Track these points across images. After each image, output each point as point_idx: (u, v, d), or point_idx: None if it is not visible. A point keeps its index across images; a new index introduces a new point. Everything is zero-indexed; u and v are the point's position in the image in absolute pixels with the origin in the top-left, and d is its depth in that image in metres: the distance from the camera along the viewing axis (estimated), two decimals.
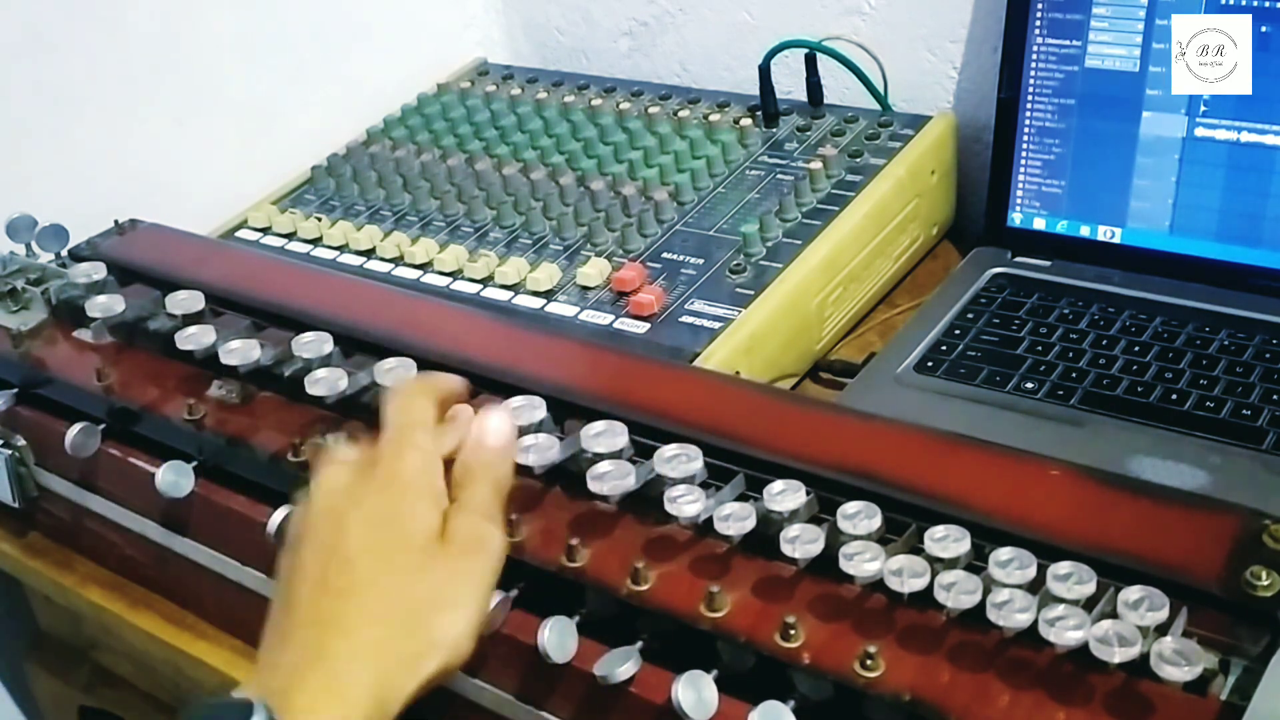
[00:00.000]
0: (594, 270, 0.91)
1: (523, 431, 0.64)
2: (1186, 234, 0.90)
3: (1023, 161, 0.95)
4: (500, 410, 0.62)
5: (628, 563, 0.58)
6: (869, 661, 0.52)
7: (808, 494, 0.59)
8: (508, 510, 0.60)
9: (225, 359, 0.74)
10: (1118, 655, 0.49)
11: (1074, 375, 0.82)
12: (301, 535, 0.56)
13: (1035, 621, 0.51)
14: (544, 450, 0.63)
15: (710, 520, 0.59)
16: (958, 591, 0.53)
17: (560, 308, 0.90)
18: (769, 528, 0.58)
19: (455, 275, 0.95)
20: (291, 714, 0.49)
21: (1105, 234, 0.93)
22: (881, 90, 1.05)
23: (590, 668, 0.56)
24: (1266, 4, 0.83)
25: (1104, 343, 0.85)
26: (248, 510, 0.70)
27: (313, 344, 0.73)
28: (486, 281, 0.94)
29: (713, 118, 1.06)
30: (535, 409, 0.65)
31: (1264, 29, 0.84)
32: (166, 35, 1.07)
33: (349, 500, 0.56)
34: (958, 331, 0.88)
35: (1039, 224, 0.95)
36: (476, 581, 0.55)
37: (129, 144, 1.06)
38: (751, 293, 0.86)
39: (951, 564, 0.55)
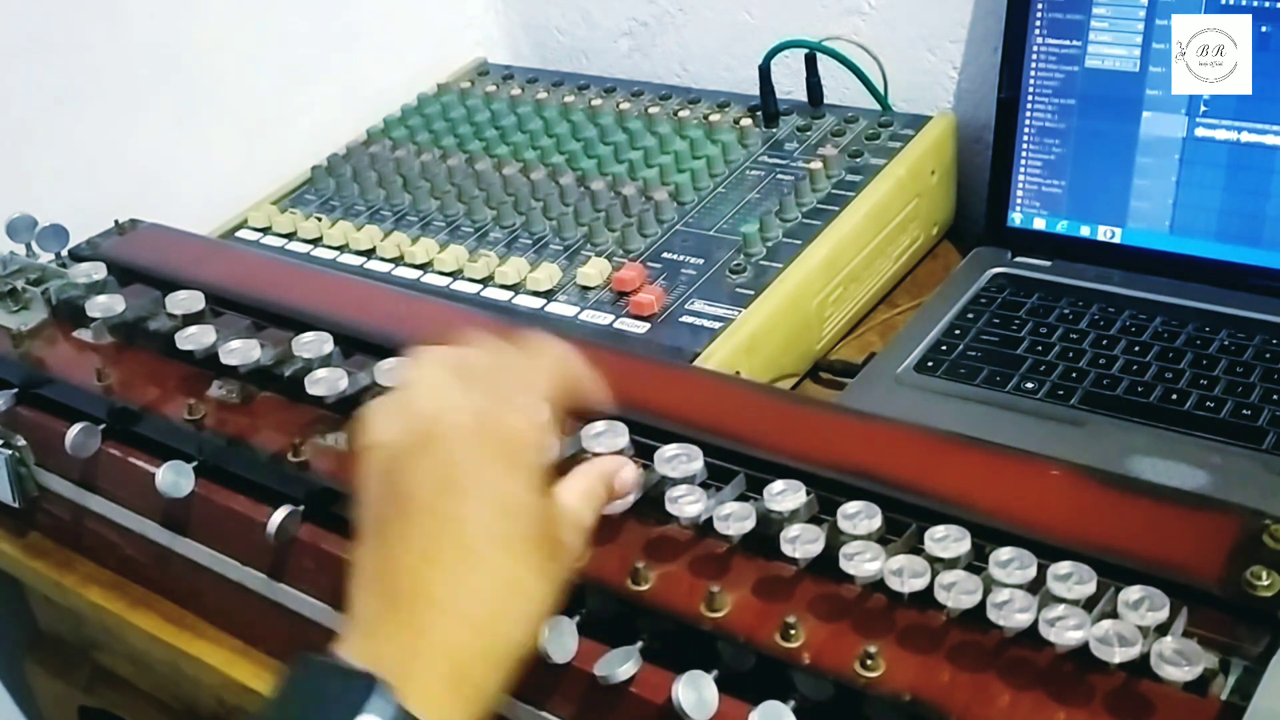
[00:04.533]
0: (594, 270, 0.91)
1: None
2: (1186, 234, 0.90)
3: (1023, 161, 0.95)
4: (635, 468, 0.61)
5: (628, 563, 0.58)
6: (869, 661, 0.52)
7: (808, 494, 0.59)
8: None
9: (225, 359, 0.74)
10: (1118, 655, 0.49)
11: (1074, 375, 0.82)
12: (405, 479, 0.53)
13: (1035, 621, 0.51)
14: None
15: (710, 520, 0.59)
16: (958, 591, 0.53)
17: (560, 308, 0.90)
18: (769, 528, 0.58)
19: (455, 275, 0.95)
20: (409, 699, 0.47)
21: (1105, 234, 0.93)
22: (881, 90, 1.05)
23: (590, 668, 0.56)
24: (1266, 4, 0.83)
25: (1104, 343, 0.85)
26: (248, 510, 0.70)
27: (313, 344, 0.73)
28: (486, 281, 0.94)
29: (713, 118, 1.06)
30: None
31: (1264, 29, 0.84)
32: (166, 35, 1.07)
33: (473, 469, 0.53)
34: (958, 331, 0.88)
35: (1039, 224, 0.95)
36: (558, 584, 0.54)
37: (129, 144, 1.06)
38: (751, 293, 0.86)
39: (952, 564, 0.55)
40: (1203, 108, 0.87)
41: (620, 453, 0.63)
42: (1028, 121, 0.94)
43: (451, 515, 0.52)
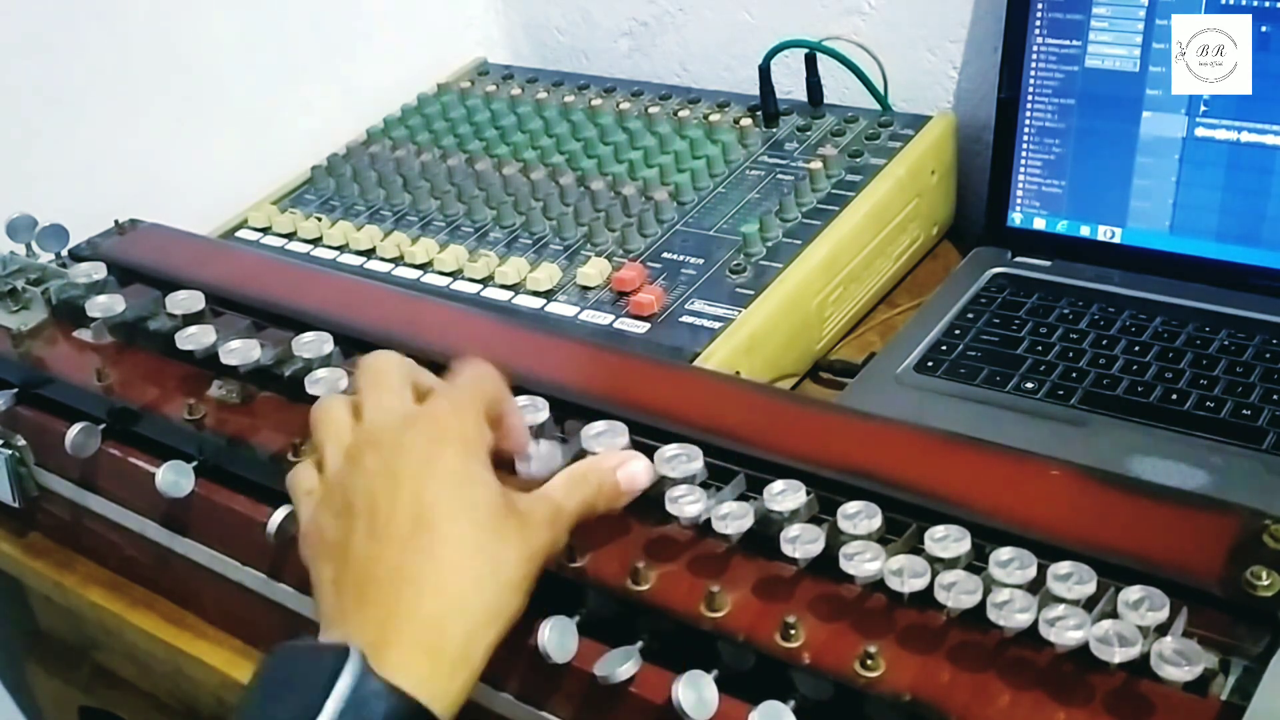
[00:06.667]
0: (594, 270, 0.91)
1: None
2: (1186, 234, 0.90)
3: (1023, 161, 0.95)
4: (647, 464, 0.61)
5: (628, 563, 0.58)
6: (869, 661, 0.52)
7: (808, 494, 0.59)
8: None
9: (225, 359, 0.74)
10: (1118, 655, 0.49)
11: (1074, 375, 0.82)
12: (348, 496, 0.55)
13: (1035, 621, 0.51)
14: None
15: (710, 520, 0.59)
16: (958, 591, 0.53)
17: (560, 308, 0.90)
18: (769, 528, 0.58)
19: (455, 275, 0.95)
20: (384, 668, 0.49)
21: (1105, 234, 0.93)
22: (881, 90, 1.05)
23: (590, 668, 0.56)
24: (1266, 4, 0.83)
25: (1104, 343, 0.85)
26: (248, 510, 0.70)
27: (313, 344, 0.73)
28: (486, 281, 0.94)
29: (713, 118, 1.06)
30: (539, 410, 0.65)
31: (1264, 29, 0.84)
32: (166, 35, 1.07)
33: (409, 459, 0.54)
34: (958, 331, 0.88)
35: (1039, 224, 0.95)
36: (541, 563, 0.55)
37: (129, 144, 1.06)
38: (751, 293, 0.86)
39: (952, 564, 0.55)
40: (1203, 108, 0.87)
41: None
42: (1028, 121, 0.94)
43: (402, 499, 0.53)
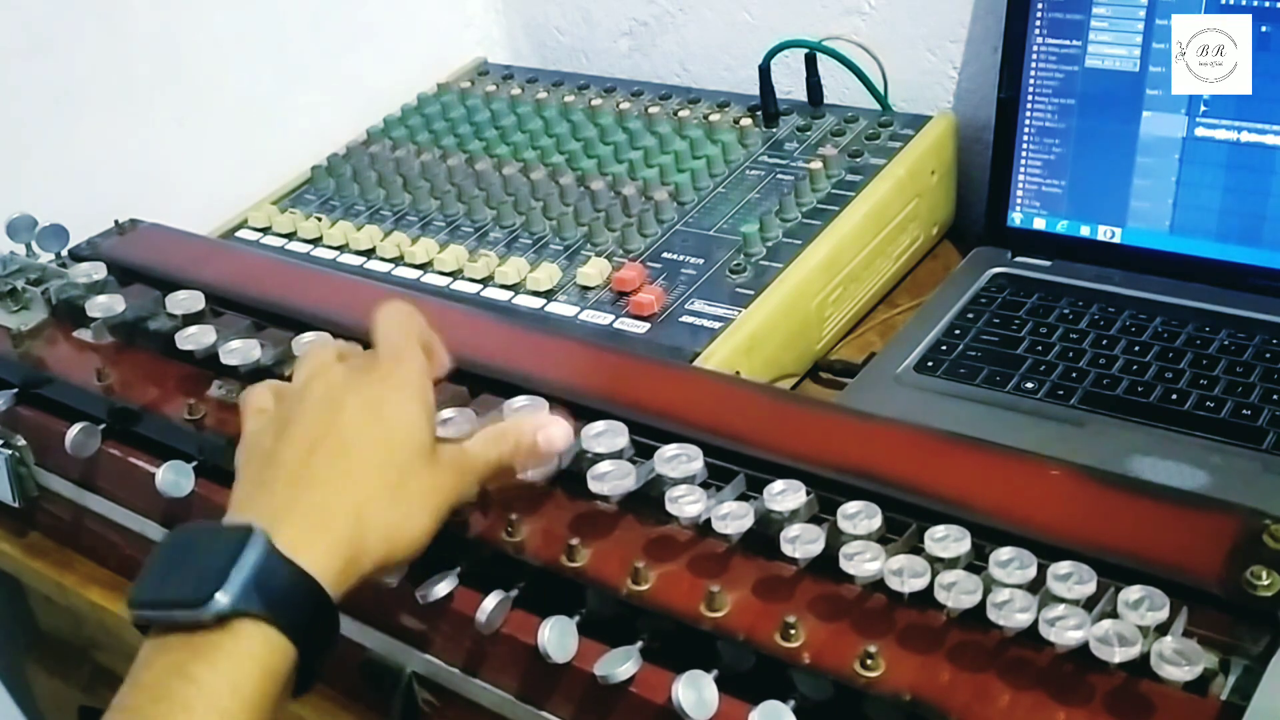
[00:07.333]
0: (594, 270, 0.91)
1: None
2: (1186, 234, 0.90)
3: (1023, 161, 0.95)
4: (567, 428, 0.63)
5: (628, 563, 0.58)
6: (869, 661, 0.52)
7: (808, 494, 0.59)
8: (508, 509, 0.61)
9: (225, 359, 0.74)
10: (1118, 655, 0.49)
11: (1074, 375, 0.82)
12: (290, 413, 0.59)
13: (1035, 621, 0.51)
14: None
15: (710, 520, 0.59)
16: (958, 591, 0.53)
17: (560, 308, 0.90)
18: (769, 527, 0.58)
19: (455, 275, 0.95)
20: (279, 544, 0.52)
21: (1105, 234, 0.93)
22: (881, 90, 1.05)
23: (590, 668, 0.56)
24: (1266, 4, 0.83)
25: (1104, 343, 0.85)
26: None
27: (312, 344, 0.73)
28: (486, 281, 0.94)
29: (713, 118, 1.06)
30: (539, 409, 0.65)
31: (1264, 29, 0.84)
32: (166, 35, 1.07)
33: (347, 387, 0.59)
34: (958, 331, 0.88)
35: (1039, 224, 0.95)
36: (448, 500, 0.59)
37: (129, 144, 1.06)
38: (751, 293, 0.86)
39: (952, 564, 0.55)
40: (1203, 108, 0.87)
41: (620, 453, 0.63)
42: (1028, 121, 0.94)
43: (326, 417, 0.58)
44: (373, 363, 0.61)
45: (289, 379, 0.63)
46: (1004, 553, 0.54)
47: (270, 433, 0.59)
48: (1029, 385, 0.82)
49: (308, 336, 0.74)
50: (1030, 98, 0.94)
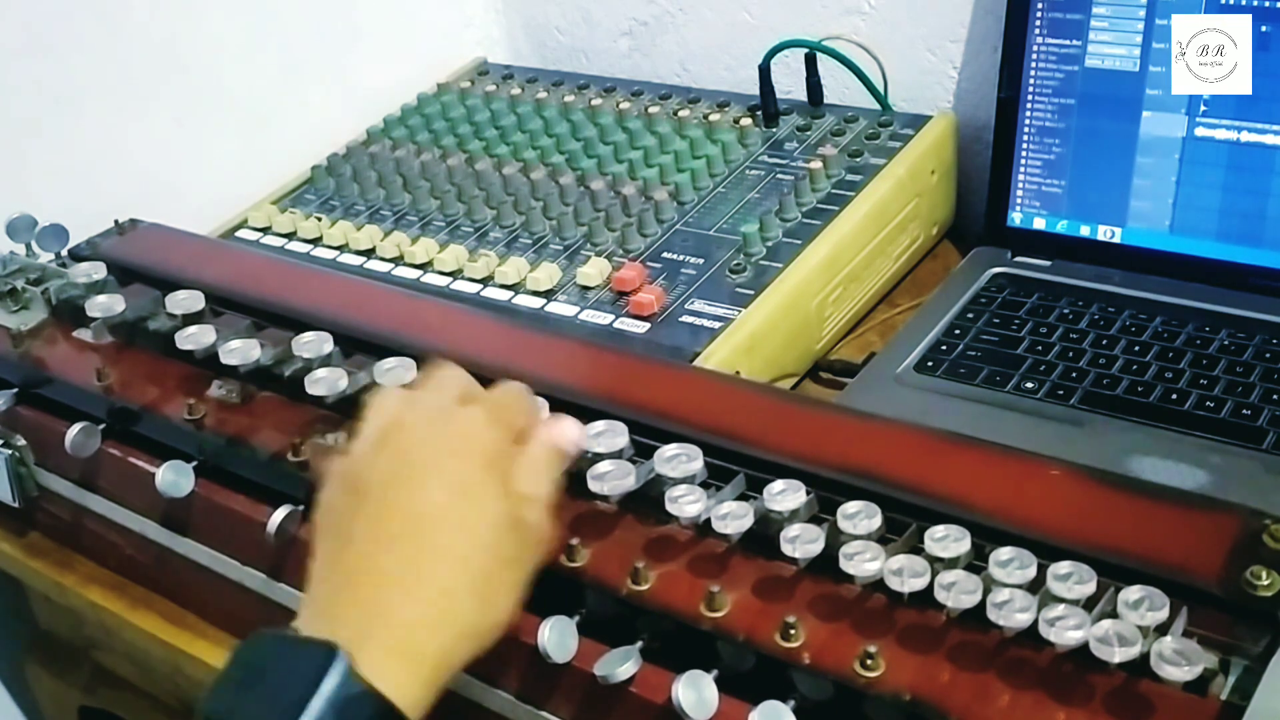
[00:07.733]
0: (594, 270, 0.91)
1: None
2: (1186, 234, 0.90)
3: (1023, 161, 0.95)
4: (576, 423, 0.62)
5: (628, 563, 0.58)
6: (869, 661, 0.52)
7: (808, 494, 0.59)
8: None
9: (225, 359, 0.74)
10: (1118, 655, 0.49)
11: (1074, 375, 0.82)
12: (359, 478, 0.55)
13: (1035, 621, 0.51)
14: None
15: (710, 520, 0.59)
16: (958, 591, 0.53)
17: (560, 308, 0.90)
18: (769, 527, 0.58)
19: (455, 275, 0.95)
20: (360, 667, 0.49)
21: (1105, 234, 0.93)
22: (881, 90, 1.05)
23: (590, 668, 0.56)
24: (1266, 4, 0.83)
25: (1104, 343, 0.85)
26: (248, 510, 0.70)
27: (313, 344, 0.73)
28: (486, 281, 0.94)
29: (713, 118, 1.06)
30: (539, 410, 0.65)
31: (1264, 29, 0.84)
32: (166, 35, 1.07)
33: (429, 455, 0.56)
34: (958, 331, 0.88)
35: (1039, 224, 0.95)
36: (528, 569, 0.56)
37: (129, 144, 1.06)
38: (751, 293, 0.86)
39: (951, 564, 0.55)
40: (1203, 108, 0.87)
41: (620, 453, 0.63)
42: (1027, 121, 0.94)
43: (404, 500, 0.54)
44: (448, 419, 0.57)
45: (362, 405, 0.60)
46: (1004, 553, 0.54)
47: (341, 497, 0.56)
48: (1029, 385, 0.82)
49: (308, 337, 0.74)
50: (1030, 97, 0.94)
